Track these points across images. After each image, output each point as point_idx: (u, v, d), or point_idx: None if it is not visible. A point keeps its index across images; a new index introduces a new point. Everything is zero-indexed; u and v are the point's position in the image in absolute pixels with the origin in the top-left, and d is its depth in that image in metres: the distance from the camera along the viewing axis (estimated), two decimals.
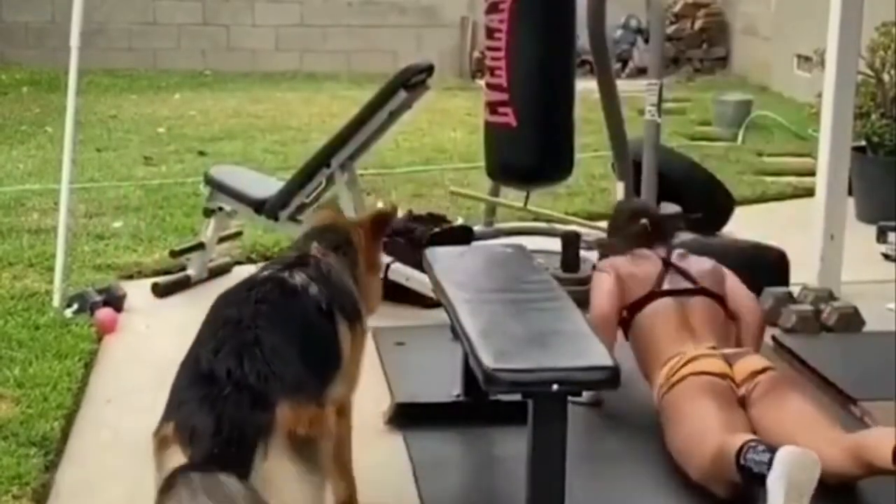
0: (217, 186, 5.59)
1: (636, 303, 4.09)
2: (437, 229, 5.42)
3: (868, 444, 3.48)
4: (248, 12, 12.53)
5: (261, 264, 5.78)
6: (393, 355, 4.62)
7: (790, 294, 5.12)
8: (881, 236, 6.13)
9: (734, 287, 4.25)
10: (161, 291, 5.39)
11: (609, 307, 4.07)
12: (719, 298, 4.14)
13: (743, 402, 3.72)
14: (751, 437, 3.44)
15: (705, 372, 3.76)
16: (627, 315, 4.10)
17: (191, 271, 5.54)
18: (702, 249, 5.33)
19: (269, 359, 2.63)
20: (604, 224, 6.41)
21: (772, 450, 3.29)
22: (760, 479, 3.25)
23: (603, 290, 4.12)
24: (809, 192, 6.10)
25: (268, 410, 2.52)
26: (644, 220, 4.34)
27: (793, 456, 3.25)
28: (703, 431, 3.58)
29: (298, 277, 3.01)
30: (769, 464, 3.25)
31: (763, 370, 3.78)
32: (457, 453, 3.96)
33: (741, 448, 3.35)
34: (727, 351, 3.90)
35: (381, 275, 3.60)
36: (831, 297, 5.15)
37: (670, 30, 12.31)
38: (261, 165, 7.35)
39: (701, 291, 4.11)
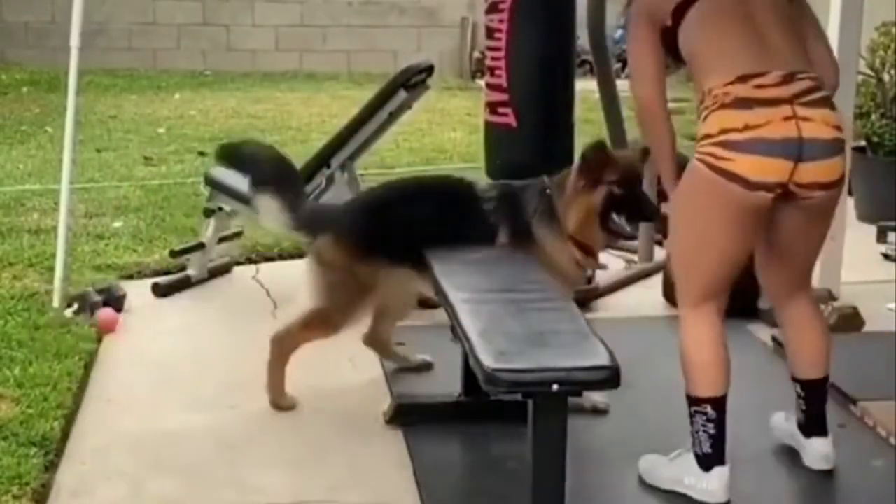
0: (217, 186, 5.59)
1: (679, 6, 3.44)
2: None
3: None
4: (248, 12, 12.53)
5: (261, 264, 5.84)
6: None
7: None
8: (881, 236, 6.13)
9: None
10: (161, 292, 5.39)
11: (651, 89, 3.57)
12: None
13: (786, 196, 3.34)
14: (717, 397, 3.47)
15: (750, 182, 3.25)
16: (672, 24, 3.47)
17: (191, 271, 5.54)
18: None
19: None
20: None
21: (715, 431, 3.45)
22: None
23: (639, 59, 3.57)
24: None
25: None
26: None
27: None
28: (695, 287, 3.49)
29: None
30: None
31: (831, 184, 3.37)
32: (457, 453, 3.96)
33: (698, 400, 3.48)
34: (811, 130, 3.27)
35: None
36: (831, 297, 5.15)
37: None
38: None
39: None
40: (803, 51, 3.42)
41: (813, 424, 3.77)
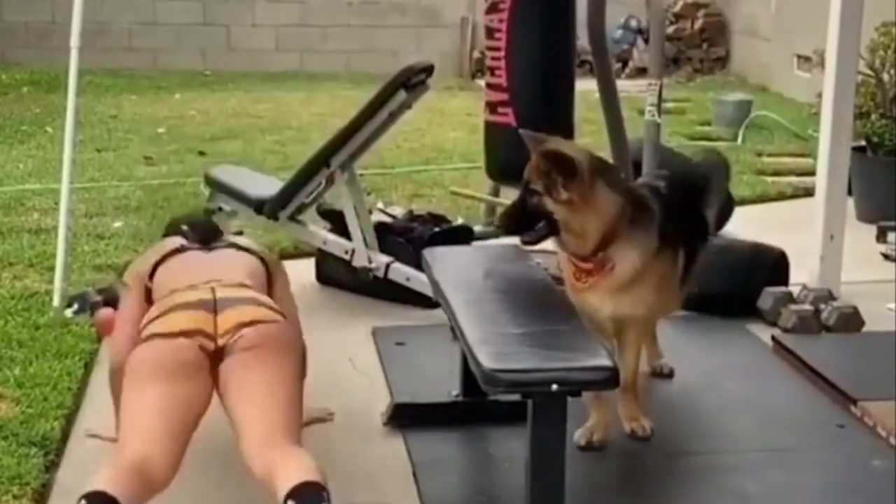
0: (217, 186, 5.60)
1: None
2: (437, 229, 5.42)
3: (277, 473, 3.06)
4: (248, 12, 12.53)
5: None
6: (393, 355, 4.62)
7: (790, 294, 5.12)
8: (881, 236, 6.14)
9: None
10: None
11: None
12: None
13: (221, 355, 3.34)
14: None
15: (171, 333, 3.33)
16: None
17: None
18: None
19: None
20: None
21: None
22: None
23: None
24: (809, 192, 6.10)
25: None
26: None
27: None
28: (130, 436, 3.22)
29: None
30: None
31: (252, 323, 3.36)
32: (457, 453, 3.96)
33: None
34: (226, 293, 3.46)
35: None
36: (831, 297, 5.15)
37: (670, 30, 12.31)
38: (261, 165, 7.35)
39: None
40: None
41: None
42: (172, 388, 3.26)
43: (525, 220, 3.67)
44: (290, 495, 2.94)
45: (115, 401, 3.62)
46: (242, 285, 3.59)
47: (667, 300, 4.00)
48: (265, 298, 3.57)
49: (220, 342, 3.35)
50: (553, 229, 3.65)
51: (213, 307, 3.41)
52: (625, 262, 3.67)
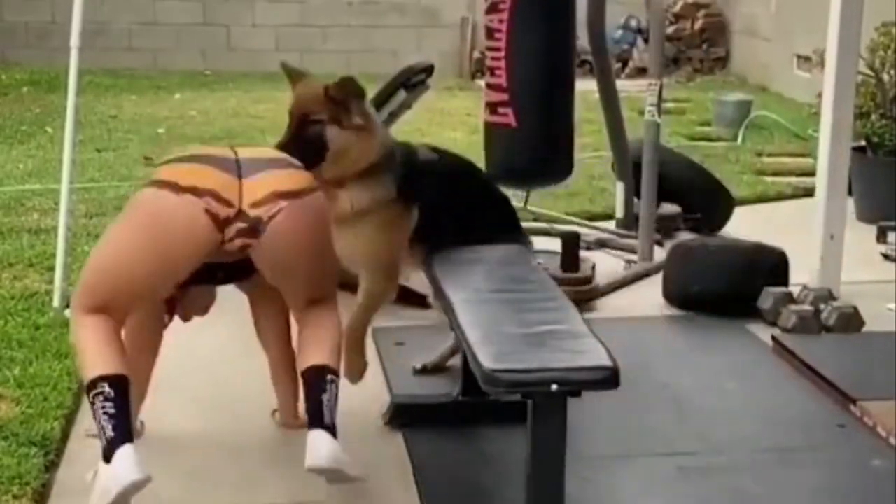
0: None
1: None
2: None
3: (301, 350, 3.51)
4: (248, 12, 12.53)
5: None
6: (393, 355, 4.62)
7: (790, 294, 5.12)
8: (881, 236, 6.14)
9: None
10: None
11: None
12: None
13: (243, 223, 3.29)
14: (114, 374, 3.17)
15: (178, 186, 3.23)
16: None
17: None
18: (702, 249, 5.37)
19: None
20: (604, 224, 6.45)
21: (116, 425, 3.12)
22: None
23: None
24: (809, 192, 6.10)
25: None
26: None
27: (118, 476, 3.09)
28: (97, 285, 3.25)
29: None
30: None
31: (290, 194, 3.33)
32: (457, 453, 3.96)
33: (93, 382, 3.18)
34: (250, 153, 3.42)
35: None
36: (831, 297, 5.15)
37: (670, 30, 12.31)
38: None
39: None
40: None
41: (312, 416, 3.43)
42: (157, 247, 3.22)
43: (300, 150, 3.61)
44: (303, 374, 3.44)
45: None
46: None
47: (381, 258, 3.78)
48: (294, 160, 3.42)
49: (252, 213, 3.23)
50: (320, 159, 3.61)
51: (237, 169, 3.27)
52: (355, 199, 3.62)
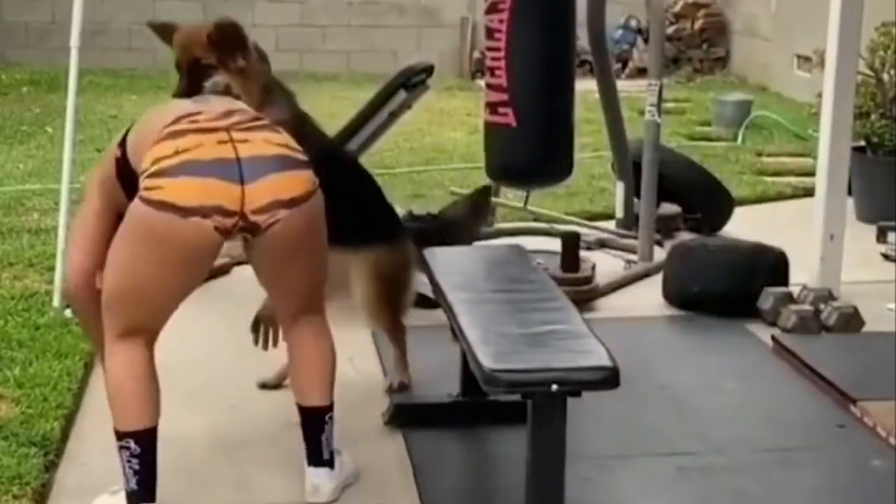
0: None
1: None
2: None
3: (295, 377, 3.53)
4: (248, 12, 12.51)
5: None
6: (393, 355, 4.62)
7: (790, 294, 5.11)
8: (881, 236, 6.13)
9: None
10: None
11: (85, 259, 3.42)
12: None
13: (246, 227, 3.19)
14: (142, 430, 3.22)
15: (185, 209, 3.06)
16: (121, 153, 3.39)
17: None
18: (702, 249, 5.37)
19: None
20: (604, 224, 6.45)
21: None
22: None
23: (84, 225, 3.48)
24: (809, 192, 6.10)
25: None
26: None
27: None
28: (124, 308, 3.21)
29: None
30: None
31: (291, 202, 3.20)
32: (457, 453, 3.96)
33: (121, 436, 3.23)
34: (249, 148, 3.16)
35: None
36: (831, 297, 5.15)
37: (670, 30, 12.30)
38: None
39: None
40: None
41: (310, 454, 3.51)
42: (175, 267, 3.18)
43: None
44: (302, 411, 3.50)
45: (83, 327, 3.57)
46: (256, 120, 3.30)
47: None
48: (287, 139, 3.28)
49: (252, 218, 3.15)
50: None
51: (239, 173, 3.12)
52: None
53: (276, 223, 3.18)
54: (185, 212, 3.07)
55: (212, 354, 4.68)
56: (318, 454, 3.48)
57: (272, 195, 3.17)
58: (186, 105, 3.35)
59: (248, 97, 3.70)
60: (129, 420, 3.25)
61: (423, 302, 4.98)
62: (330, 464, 3.49)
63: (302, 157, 3.28)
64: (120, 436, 3.25)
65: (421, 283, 4.83)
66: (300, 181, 3.24)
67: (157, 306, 3.27)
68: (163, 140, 3.14)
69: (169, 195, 3.07)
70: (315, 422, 3.48)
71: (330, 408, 3.49)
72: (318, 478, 3.48)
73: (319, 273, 3.48)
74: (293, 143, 3.29)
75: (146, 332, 3.28)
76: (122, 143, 3.36)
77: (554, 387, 2.99)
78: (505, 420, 3.81)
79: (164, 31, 3.85)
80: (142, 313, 3.26)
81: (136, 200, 3.14)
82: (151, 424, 3.26)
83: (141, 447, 3.23)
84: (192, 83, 3.68)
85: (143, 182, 3.11)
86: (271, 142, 3.23)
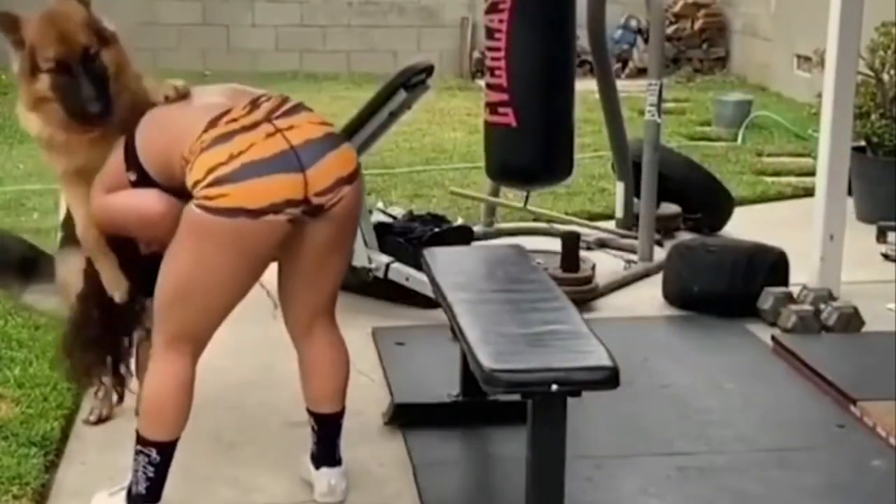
0: None
1: None
2: (437, 229, 5.42)
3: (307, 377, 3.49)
4: (248, 12, 12.52)
5: None
6: (393, 355, 4.63)
7: (790, 294, 5.12)
8: (881, 236, 6.13)
9: None
10: None
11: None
12: None
13: (312, 212, 3.17)
14: (167, 441, 3.24)
15: (258, 210, 3.04)
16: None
17: None
18: (702, 249, 5.37)
19: None
20: (604, 224, 6.45)
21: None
22: None
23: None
24: (809, 192, 6.10)
25: None
26: None
27: None
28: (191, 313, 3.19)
29: None
30: None
31: (350, 177, 3.20)
32: (457, 453, 3.96)
33: (144, 442, 3.24)
34: (297, 134, 3.13)
35: None
36: (831, 297, 5.15)
37: (670, 30, 12.30)
38: None
39: None
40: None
41: (323, 456, 3.54)
42: (246, 277, 3.21)
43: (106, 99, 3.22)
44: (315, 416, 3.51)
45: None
46: (284, 103, 3.24)
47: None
48: (321, 115, 3.28)
49: (315, 201, 3.14)
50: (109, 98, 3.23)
51: (297, 161, 3.10)
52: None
53: (339, 201, 3.19)
54: (256, 213, 3.05)
55: (212, 354, 4.68)
56: (332, 456, 3.52)
57: (334, 174, 3.17)
58: (202, 104, 3.26)
59: (130, 77, 3.33)
60: (160, 431, 3.26)
61: (423, 302, 4.99)
62: (341, 462, 3.54)
63: (336, 133, 3.28)
64: (144, 442, 3.25)
65: (421, 283, 4.84)
66: (351, 156, 3.27)
67: (217, 310, 3.27)
68: (210, 147, 3.09)
69: (237, 200, 3.04)
70: (329, 427, 3.53)
71: (343, 412, 3.53)
72: (335, 478, 3.51)
73: (341, 275, 3.48)
74: (326, 119, 3.29)
75: (197, 342, 3.29)
76: (130, 165, 3.24)
77: (554, 387, 2.99)
78: (505, 420, 3.81)
79: (5, 22, 3.20)
80: (199, 319, 3.25)
81: (198, 210, 3.07)
82: (177, 437, 3.28)
83: (161, 457, 3.25)
84: (94, 83, 3.18)
85: (201, 192, 3.06)
86: (313, 121, 3.24)
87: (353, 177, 3.23)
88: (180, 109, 3.27)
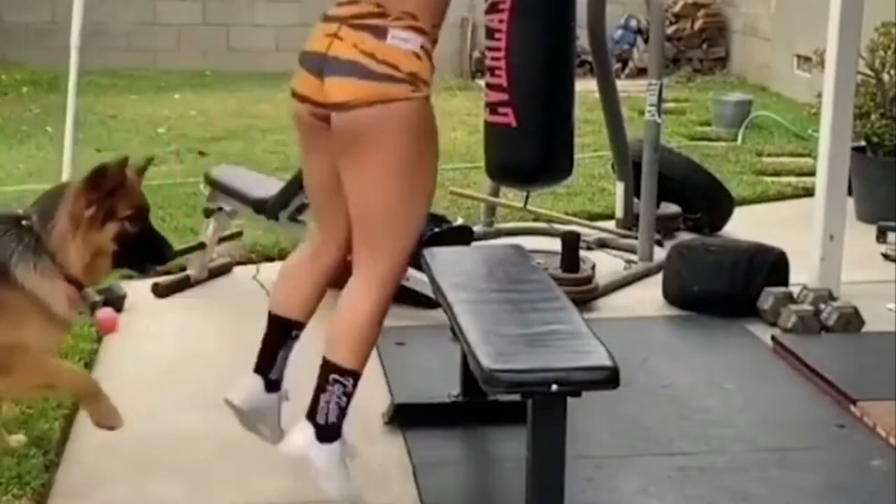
0: (217, 186, 5.59)
1: None
2: (437, 229, 5.42)
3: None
4: (248, 12, 12.53)
5: (261, 264, 5.84)
6: (393, 355, 4.62)
7: (790, 294, 5.12)
8: (881, 236, 6.14)
9: None
10: (161, 292, 5.39)
11: None
12: None
13: (326, 120, 3.31)
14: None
15: (294, 94, 3.42)
16: None
17: (191, 271, 5.54)
18: (702, 249, 5.37)
19: None
20: (604, 224, 6.45)
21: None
22: None
23: None
24: (809, 192, 6.11)
25: None
26: None
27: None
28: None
29: None
30: None
31: (337, 105, 3.25)
32: (457, 453, 3.96)
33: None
34: (340, 48, 3.26)
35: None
36: (831, 297, 5.15)
37: (670, 30, 12.31)
38: (261, 166, 7.35)
39: None
40: None
41: (309, 408, 3.42)
42: (312, 169, 3.56)
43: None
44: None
45: None
46: (374, 17, 3.28)
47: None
48: (377, 48, 3.24)
49: (326, 112, 3.29)
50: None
51: (321, 68, 3.28)
52: None
53: (337, 122, 3.27)
54: (297, 98, 3.40)
55: (213, 354, 4.69)
56: (313, 411, 3.36)
57: (330, 95, 3.28)
58: None
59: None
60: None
61: (424, 302, 4.99)
62: (321, 430, 3.34)
63: (378, 68, 3.23)
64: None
65: (421, 283, 4.84)
66: (352, 88, 3.23)
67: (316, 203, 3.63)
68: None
69: (294, 83, 3.43)
70: (322, 373, 3.39)
71: (338, 371, 3.35)
72: (300, 430, 3.35)
73: (379, 211, 3.34)
74: (381, 54, 3.23)
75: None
76: None
77: (554, 387, 2.99)
78: (505, 420, 3.81)
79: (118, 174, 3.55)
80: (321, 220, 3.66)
81: None
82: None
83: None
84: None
85: None
86: (358, 46, 3.25)
87: (340, 107, 3.24)
88: None
